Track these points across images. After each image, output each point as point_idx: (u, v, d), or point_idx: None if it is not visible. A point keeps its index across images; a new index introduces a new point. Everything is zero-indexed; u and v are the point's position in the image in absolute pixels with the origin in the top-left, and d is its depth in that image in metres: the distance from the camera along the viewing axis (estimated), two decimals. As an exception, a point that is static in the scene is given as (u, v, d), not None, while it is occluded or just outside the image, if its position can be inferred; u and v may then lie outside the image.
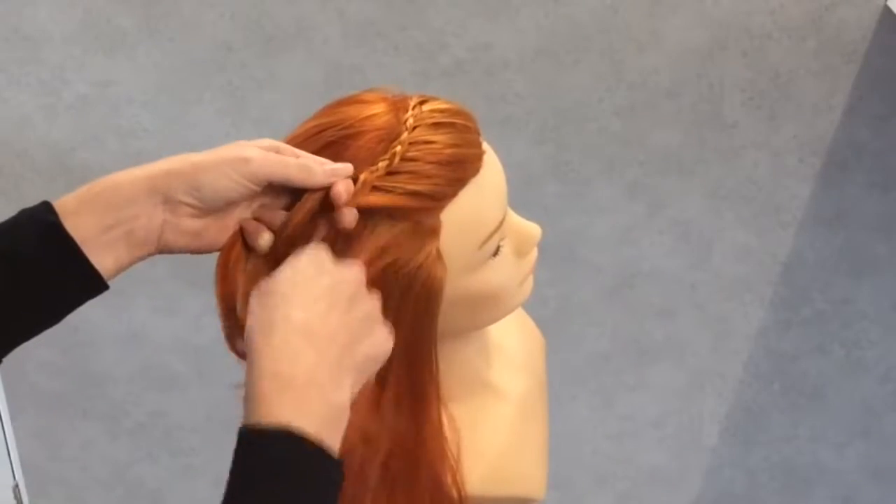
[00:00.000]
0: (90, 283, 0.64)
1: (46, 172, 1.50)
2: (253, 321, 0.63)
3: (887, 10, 1.33)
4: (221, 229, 0.69)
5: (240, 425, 0.60)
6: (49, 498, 1.83)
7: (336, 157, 0.71)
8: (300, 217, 0.68)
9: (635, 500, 1.79)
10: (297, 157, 0.68)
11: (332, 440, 0.60)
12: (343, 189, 0.67)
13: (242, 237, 0.69)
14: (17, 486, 1.80)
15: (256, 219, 0.69)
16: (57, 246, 0.62)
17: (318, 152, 0.71)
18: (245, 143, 0.68)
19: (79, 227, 0.63)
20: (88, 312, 0.65)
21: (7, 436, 1.75)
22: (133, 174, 0.65)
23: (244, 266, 0.68)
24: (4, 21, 1.40)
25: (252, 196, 0.68)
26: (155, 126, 1.46)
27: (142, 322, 1.63)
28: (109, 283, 0.65)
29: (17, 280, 0.62)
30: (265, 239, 0.68)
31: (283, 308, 0.62)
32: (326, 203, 0.68)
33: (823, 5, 1.33)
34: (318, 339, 0.62)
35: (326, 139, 0.71)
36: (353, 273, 0.67)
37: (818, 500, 1.75)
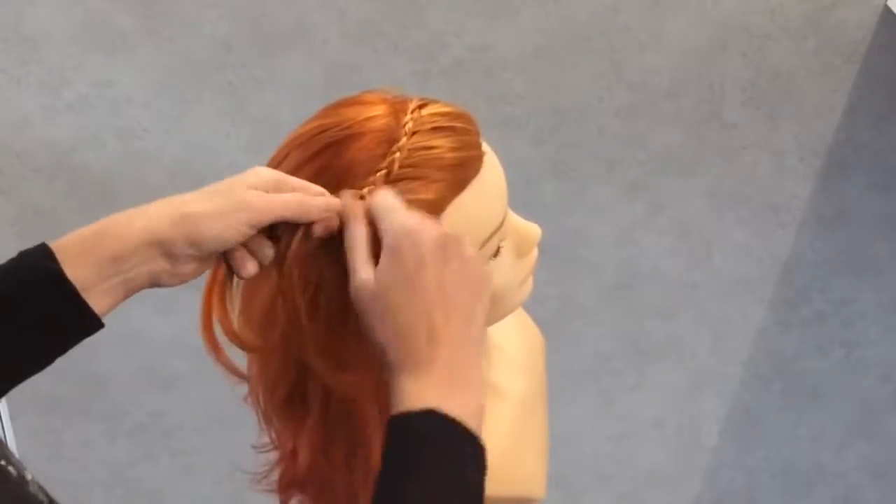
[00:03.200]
0: (88, 326, 0.65)
1: (46, 172, 1.50)
2: (385, 323, 0.65)
3: (887, 10, 1.33)
4: (213, 263, 0.70)
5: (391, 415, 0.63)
6: (49, 498, 1.83)
7: (335, 159, 0.71)
8: (297, 247, 0.69)
9: (635, 500, 1.79)
10: (294, 188, 0.68)
11: (476, 421, 0.63)
12: (335, 224, 0.69)
13: (226, 264, 0.70)
14: (17, 486, 1.80)
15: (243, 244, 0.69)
16: (58, 294, 0.63)
17: (317, 153, 0.71)
18: (243, 182, 0.67)
19: (79, 276, 0.63)
20: (88, 312, 0.65)
21: (7, 436, 1.75)
22: (134, 224, 0.65)
23: (227, 292, 0.71)
24: (4, 21, 1.40)
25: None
26: (155, 126, 1.46)
27: (142, 322, 1.63)
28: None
29: (17, 326, 0.63)
30: (249, 270, 0.69)
31: (413, 316, 0.64)
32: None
33: (823, 5, 1.33)
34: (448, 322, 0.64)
35: (326, 140, 0.71)
36: (440, 235, 0.66)
37: (818, 500, 1.75)
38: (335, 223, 0.69)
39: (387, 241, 0.66)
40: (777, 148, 1.44)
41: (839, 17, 1.34)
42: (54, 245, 0.63)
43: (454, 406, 0.62)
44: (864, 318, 1.58)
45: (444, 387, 0.63)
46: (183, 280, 0.69)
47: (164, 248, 0.65)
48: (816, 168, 1.46)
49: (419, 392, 0.63)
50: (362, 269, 0.67)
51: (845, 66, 1.38)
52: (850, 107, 1.41)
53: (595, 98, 1.42)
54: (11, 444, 1.76)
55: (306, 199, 0.68)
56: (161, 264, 0.66)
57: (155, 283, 0.68)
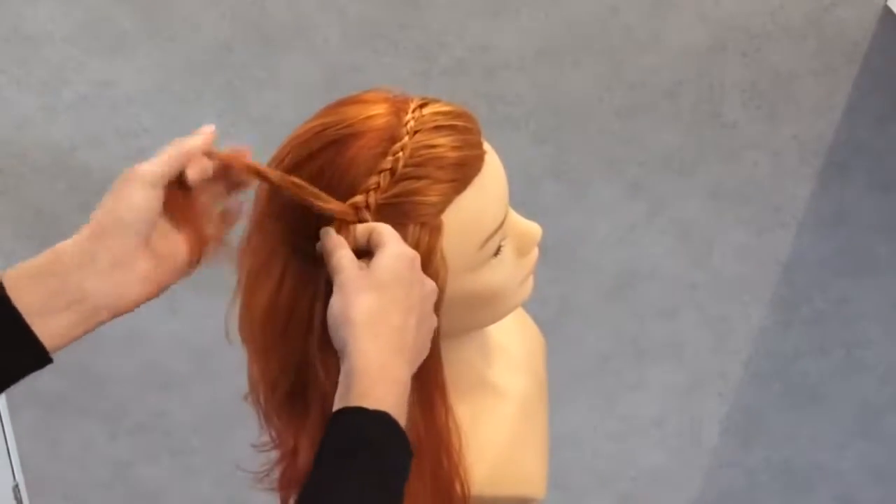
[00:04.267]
0: (35, 357, 0.65)
1: (46, 172, 1.50)
2: (357, 316, 0.66)
3: (887, 10, 1.33)
4: (171, 249, 0.72)
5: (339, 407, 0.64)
6: (49, 498, 1.83)
7: (336, 157, 0.71)
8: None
9: (635, 500, 1.79)
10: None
11: (402, 419, 0.66)
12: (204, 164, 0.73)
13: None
14: (17, 486, 1.80)
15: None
16: (5, 322, 0.63)
17: (318, 152, 0.71)
18: (133, 231, 0.69)
19: (22, 297, 0.63)
20: (89, 312, 0.65)
21: (7, 436, 1.75)
22: (73, 240, 0.67)
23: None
24: (4, 21, 1.40)
25: (170, 204, 0.71)
26: (155, 126, 1.46)
27: (142, 322, 1.63)
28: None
29: None
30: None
31: (384, 311, 0.67)
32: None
33: (823, 5, 1.33)
34: (394, 334, 0.67)
35: (327, 139, 0.72)
36: (420, 278, 0.70)
37: (818, 500, 1.75)
38: (204, 162, 0.72)
39: (389, 246, 0.69)
40: (777, 148, 1.45)
41: (839, 17, 1.34)
42: (3, 275, 0.64)
43: (400, 409, 0.65)
44: (864, 318, 1.58)
45: (392, 389, 0.66)
46: (151, 289, 0.71)
47: (103, 253, 0.67)
48: (816, 168, 1.46)
49: (370, 385, 0.65)
50: (348, 266, 0.69)
51: (845, 66, 1.38)
52: (850, 107, 1.41)
53: (595, 98, 1.42)
54: (11, 444, 1.76)
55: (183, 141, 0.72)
56: (112, 276, 0.68)
57: (123, 303, 0.70)
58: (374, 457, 0.62)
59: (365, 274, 0.68)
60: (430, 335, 0.71)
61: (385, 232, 0.70)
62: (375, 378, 0.65)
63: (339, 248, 0.69)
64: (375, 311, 0.67)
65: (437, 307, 0.73)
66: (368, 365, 0.65)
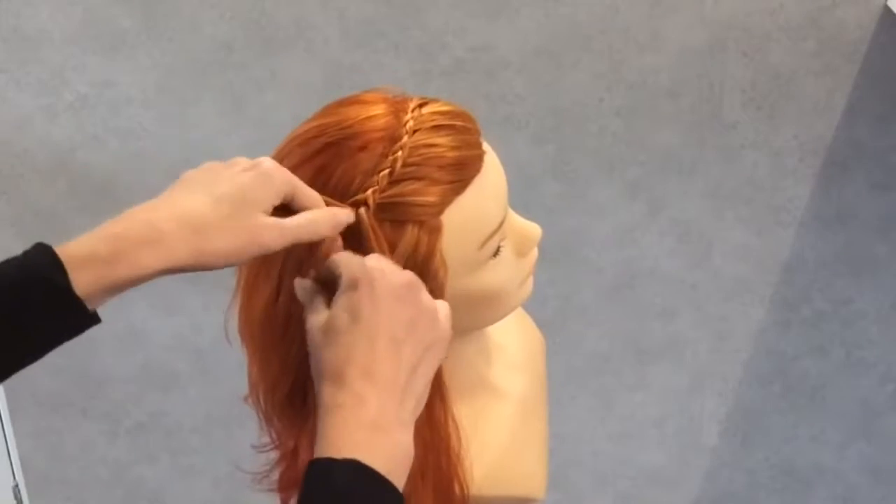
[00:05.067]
0: (87, 326, 0.63)
1: (46, 172, 1.50)
2: (327, 357, 0.63)
3: (887, 10, 1.33)
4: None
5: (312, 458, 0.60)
6: (49, 498, 1.83)
7: (336, 158, 0.71)
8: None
9: (635, 500, 1.79)
10: (305, 199, 0.68)
11: (399, 478, 0.61)
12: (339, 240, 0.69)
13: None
14: (17, 486, 1.80)
15: None
16: (66, 310, 0.60)
17: (317, 153, 0.71)
18: (254, 201, 0.65)
19: (87, 293, 0.60)
20: (88, 312, 0.65)
21: (7, 436, 1.75)
22: (156, 252, 0.62)
23: None
24: (4, 21, 1.40)
25: None
26: (155, 126, 1.46)
27: (142, 322, 1.63)
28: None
29: (18, 332, 0.61)
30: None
31: (354, 350, 0.63)
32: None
33: (823, 5, 1.33)
34: (385, 381, 0.62)
35: (326, 139, 0.72)
36: (426, 303, 0.66)
37: (818, 500, 1.75)
38: (339, 241, 0.69)
39: (345, 277, 0.65)
40: (777, 148, 1.44)
41: (839, 17, 1.34)
42: (64, 255, 0.60)
43: (379, 454, 0.59)
44: (864, 318, 1.58)
45: (369, 430, 0.60)
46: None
47: (177, 270, 0.64)
48: (816, 168, 1.46)
49: (343, 433, 0.60)
50: (312, 314, 0.66)
51: (845, 66, 1.38)
52: (850, 107, 1.41)
53: (595, 98, 1.42)
54: (11, 444, 1.76)
55: (314, 225, 0.67)
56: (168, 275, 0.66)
57: None
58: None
59: (322, 322, 0.65)
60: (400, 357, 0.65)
61: (337, 261, 0.67)
62: (345, 422, 0.61)
63: (309, 293, 0.68)
64: (340, 362, 0.63)
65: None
66: (333, 413, 0.61)
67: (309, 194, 0.68)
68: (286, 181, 0.67)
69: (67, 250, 0.60)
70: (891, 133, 1.43)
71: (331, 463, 0.58)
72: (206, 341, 1.64)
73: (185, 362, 1.67)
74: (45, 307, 0.60)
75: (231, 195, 0.65)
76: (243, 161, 0.69)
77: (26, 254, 0.61)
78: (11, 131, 1.48)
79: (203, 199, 0.64)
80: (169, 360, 1.67)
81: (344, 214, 0.69)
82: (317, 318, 0.65)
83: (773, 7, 1.34)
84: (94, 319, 0.62)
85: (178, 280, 1.63)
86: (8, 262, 0.61)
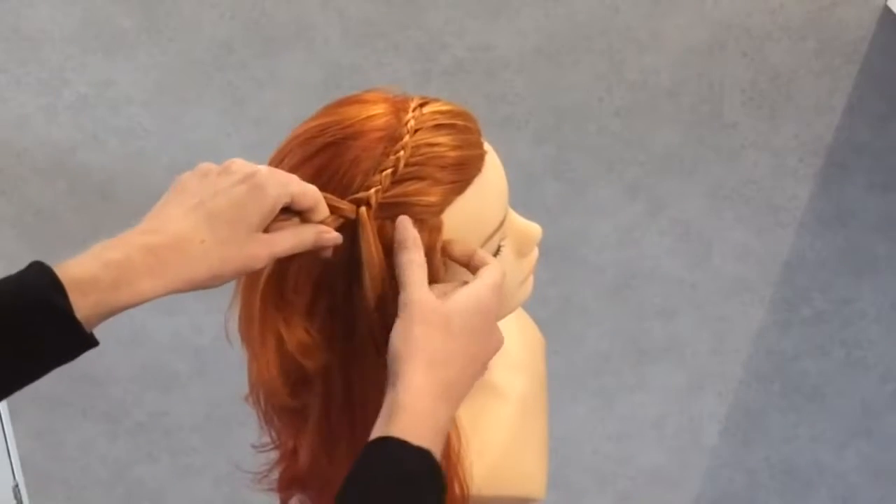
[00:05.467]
0: (86, 348, 0.63)
1: (46, 172, 1.50)
2: (419, 353, 0.67)
3: (887, 10, 1.33)
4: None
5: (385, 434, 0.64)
6: (49, 498, 1.83)
7: (336, 158, 0.71)
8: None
9: (635, 500, 1.79)
10: (302, 201, 0.68)
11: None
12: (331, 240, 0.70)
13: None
14: (17, 486, 1.80)
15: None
16: (67, 333, 0.60)
17: (318, 152, 0.71)
18: (248, 218, 0.66)
19: (87, 315, 0.61)
20: (89, 312, 0.65)
21: (7, 436, 1.75)
22: (155, 279, 0.63)
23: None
24: (4, 21, 1.40)
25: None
26: (155, 126, 1.46)
27: (142, 322, 1.63)
28: None
29: (15, 352, 0.60)
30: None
31: (449, 359, 0.68)
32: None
33: (823, 5, 1.33)
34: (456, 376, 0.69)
35: (327, 139, 0.71)
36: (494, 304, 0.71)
37: (818, 500, 1.75)
38: (330, 250, 0.70)
39: (489, 277, 0.71)
40: (777, 148, 1.44)
41: (839, 17, 1.34)
42: (65, 278, 0.60)
43: (437, 448, 0.65)
44: (864, 318, 1.58)
45: (434, 430, 0.66)
46: None
47: (171, 293, 0.65)
48: (816, 168, 1.46)
49: (418, 421, 0.65)
50: (421, 288, 0.68)
51: (845, 66, 1.38)
52: (850, 107, 1.41)
53: (595, 98, 1.42)
54: (11, 444, 1.76)
55: (302, 239, 0.68)
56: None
57: None
58: (413, 495, 0.63)
59: (435, 307, 0.68)
60: (476, 379, 0.72)
61: (489, 265, 0.72)
62: (422, 417, 0.65)
63: (414, 249, 0.69)
64: (439, 353, 0.67)
65: None
66: (417, 404, 0.65)
67: (309, 194, 0.69)
68: (281, 190, 0.67)
69: (67, 273, 0.60)
70: (891, 133, 1.43)
71: (405, 445, 0.63)
72: (207, 341, 1.64)
73: (185, 362, 1.67)
74: (44, 329, 0.60)
75: (226, 216, 0.66)
76: (239, 165, 0.69)
77: (24, 273, 0.61)
78: (11, 131, 1.48)
79: (199, 224, 0.65)
80: (169, 360, 1.67)
81: (331, 237, 0.69)
82: (423, 293, 0.68)
83: (773, 7, 1.34)
84: (91, 343, 0.62)
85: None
86: (5, 280, 0.61)
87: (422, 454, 0.63)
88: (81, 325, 0.60)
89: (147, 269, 0.62)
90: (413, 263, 0.68)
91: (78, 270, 0.61)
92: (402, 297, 0.68)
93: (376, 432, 0.65)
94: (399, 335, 0.67)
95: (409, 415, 0.64)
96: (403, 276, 0.68)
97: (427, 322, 0.67)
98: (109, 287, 0.61)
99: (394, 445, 0.63)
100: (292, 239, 0.68)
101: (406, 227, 0.70)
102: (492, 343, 0.71)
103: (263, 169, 0.68)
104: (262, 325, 0.73)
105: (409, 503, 0.62)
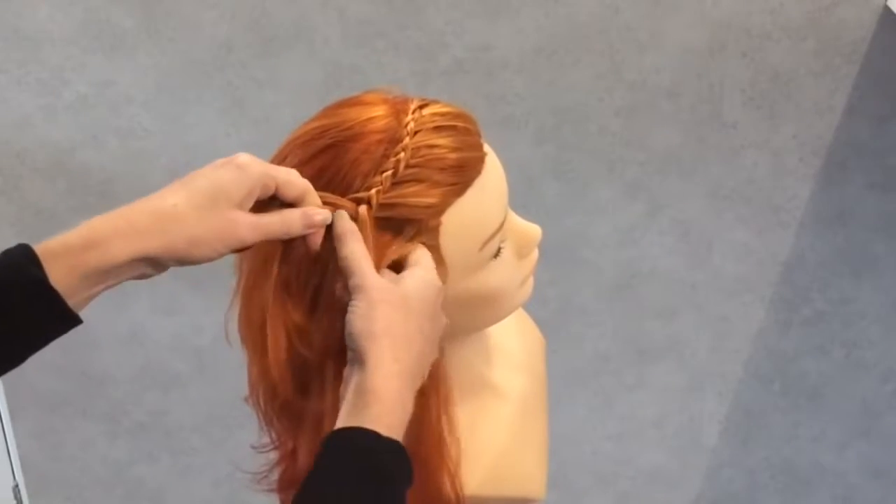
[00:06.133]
0: (68, 326, 0.64)
1: (46, 172, 1.50)
2: (382, 331, 0.67)
3: (887, 10, 1.33)
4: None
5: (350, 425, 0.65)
6: (49, 498, 1.84)
7: (336, 159, 0.71)
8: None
9: (635, 500, 1.79)
10: (281, 184, 0.69)
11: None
12: (318, 239, 0.71)
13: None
14: (17, 486, 1.80)
15: None
16: (43, 301, 0.62)
17: (318, 154, 0.71)
18: (227, 194, 0.67)
19: (63, 284, 0.62)
20: (89, 312, 0.65)
21: (7, 436, 1.75)
22: (126, 240, 0.63)
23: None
24: (4, 21, 1.40)
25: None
26: (155, 126, 1.46)
27: (142, 322, 1.63)
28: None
29: (1, 335, 0.62)
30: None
31: (409, 336, 0.69)
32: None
33: (823, 5, 1.33)
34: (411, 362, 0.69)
35: (327, 141, 0.72)
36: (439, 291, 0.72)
37: (818, 500, 1.75)
38: (319, 243, 0.71)
39: (423, 262, 0.71)
40: (777, 148, 1.44)
41: (839, 17, 1.34)
42: (39, 249, 0.62)
43: (401, 436, 0.66)
44: (864, 318, 1.58)
45: (402, 418, 0.67)
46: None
47: (150, 261, 0.65)
48: (816, 168, 1.46)
49: (388, 409, 0.65)
50: (373, 273, 0.69)
51: (845, 66, 1.38)
52: (850, 107, 1.41)
53: (595, 98, 1.42)
54: (11, 444, 1.76)
55: (286, 225, 0.69)
56: (146, 271, 0.66)
57: (139, 279, 0.69)
58: (381, 485, 0.63)
59: (391, 287, 0.68)
60: (430, 362, 0.72)
61: (422, 253, 0.71)
62: (392, 405, 0.65)
63: (352, 240, 0.69)
64: (401, 333, 0.67)
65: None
66: (387, 389, 0.65)
67: (295, 183, 0.69)
68: (263, 174, 0.68)
69: (43, 245, 0.62)
70: (891, 133, 1.43)
71: (377, 437, 0.64)
72: (207, 341, 1.64)
73: (185, 362, 1.67)
74: (22, 300, 0.61)
75: (205, 189, 0.66)
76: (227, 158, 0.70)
77: (5, 252, 0.63)
78: (11, 131, 1.48)
79: (178, 193, 0.66)
80: (169, 360, 1.67)
81: (320, 216, 0.69)
82: (374, 279, 0.68)
83: (773, 7, 1.34)
84: (73, 315, 0.63)
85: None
86: None
87: (393, 447, 0.64)
88: (56, 291, 0.61)
89: (116, 230, 0.63)
90: (358, 252, 0.69)
91: (52, 241, 0.63)
92: (355, 281, 0.68)
93: (347, 419, 0.65)
94: (360, 314, 0.67)
95: (381, 403, 0.65)
96: (352, 265, 0.69)
97: (387, 301, 0.67)
98: (80, 250, 0.62)
99: (367, 437, 0.64)
100: (278, 220, 0.68)
101: (344, 221, 0.70)
102: (441, 323, 0.72)
103: (245, 154, 0.70)
104: (272, 322, 0.73)
105: (377, 495, 0.63)
